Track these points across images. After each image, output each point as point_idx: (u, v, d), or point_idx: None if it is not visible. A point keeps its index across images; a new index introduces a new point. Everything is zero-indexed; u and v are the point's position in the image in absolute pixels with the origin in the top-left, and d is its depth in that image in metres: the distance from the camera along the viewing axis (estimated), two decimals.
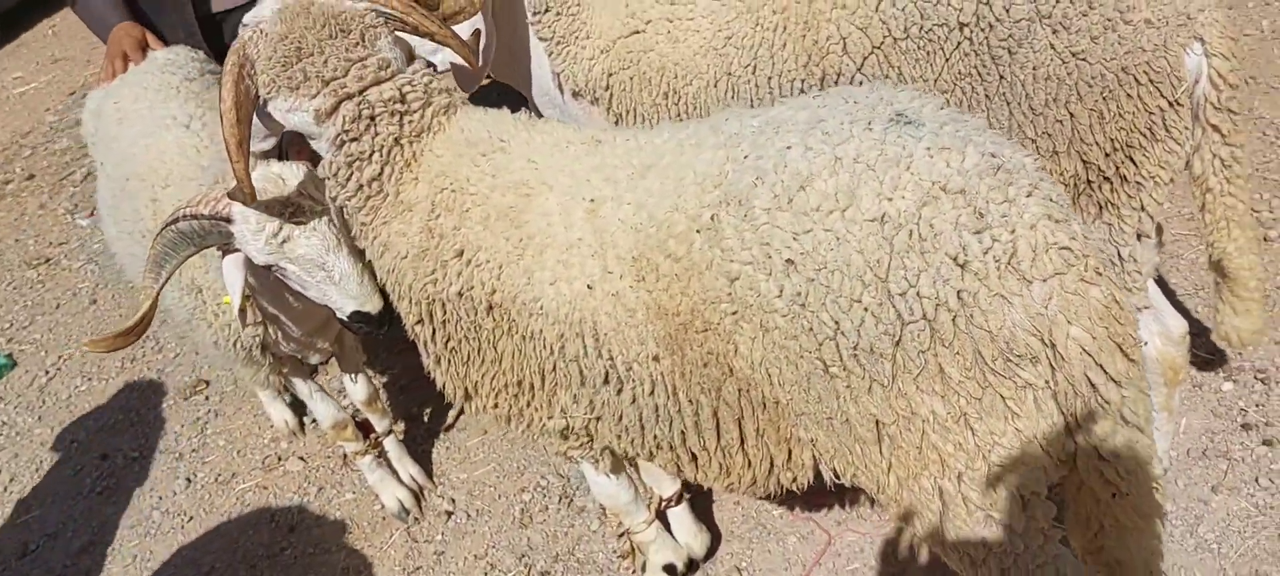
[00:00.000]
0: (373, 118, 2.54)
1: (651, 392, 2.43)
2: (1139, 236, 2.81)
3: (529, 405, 2.76)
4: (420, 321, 2.72)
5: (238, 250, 2.86)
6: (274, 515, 4.39)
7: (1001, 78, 2.69)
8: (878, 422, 2.09)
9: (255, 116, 2.61)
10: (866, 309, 1.98)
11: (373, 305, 2.85)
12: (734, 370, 2.26)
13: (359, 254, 2.89)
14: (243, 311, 3.03)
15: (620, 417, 2.55)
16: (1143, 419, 2.08)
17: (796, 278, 2.05)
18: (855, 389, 2.07)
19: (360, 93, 2.52)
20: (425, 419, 4.68)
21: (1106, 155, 2.68)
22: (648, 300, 2.31)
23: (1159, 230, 3.00)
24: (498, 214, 2.52)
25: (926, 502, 2.16)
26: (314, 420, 4.85)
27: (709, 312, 2.21)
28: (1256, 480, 3.26)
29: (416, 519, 4.15)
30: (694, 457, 2.55)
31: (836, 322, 2.02)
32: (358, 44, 2.53)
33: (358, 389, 4.10)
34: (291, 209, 2.77)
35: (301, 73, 2.49)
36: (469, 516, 4.12)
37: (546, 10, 3.30)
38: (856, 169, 2.04)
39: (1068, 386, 1.99)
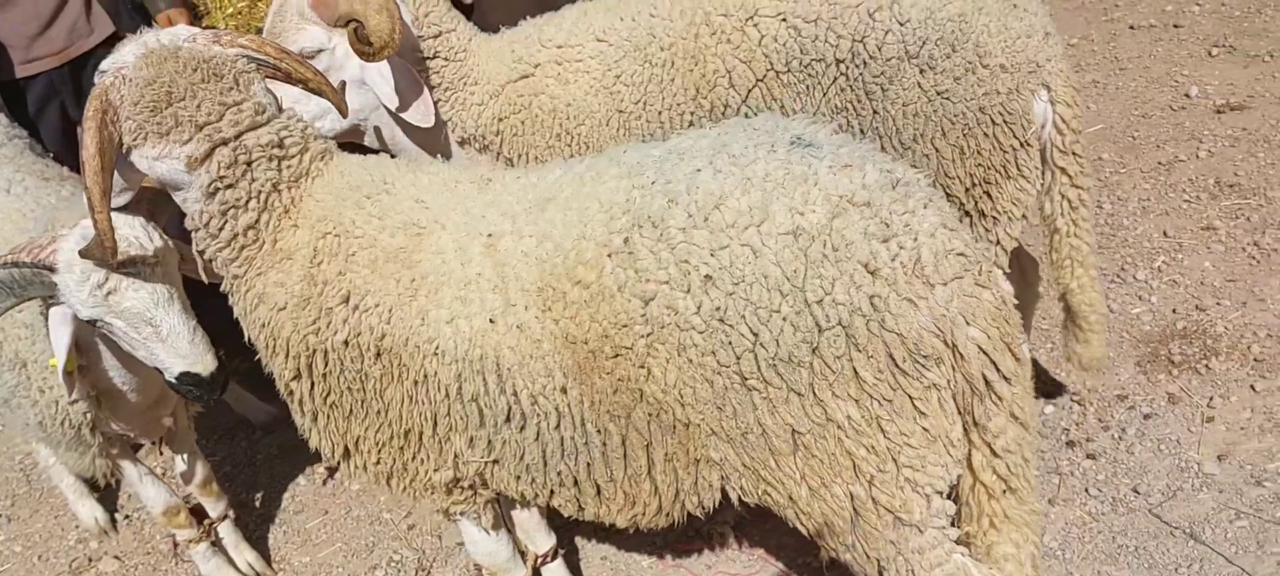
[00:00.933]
0: (250, 163, 2.44)
1: (557, 426, 2.39)
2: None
3: (414, 457, 2.65)
4: (297, 376, 2.59)
5: (61, 303, 2.67)
6: None
7: (875, 112, 2.88)
8: (794, 432, 2.14)
9: None
10: (785, 318, 2.05)
11: (204, 366, 2.67)
12: (645, 394, 2.27)
13: (192, 311, 2.75)
14: (69, 376, 2.80)
15: (522, 456, 2.49)
16: (1028, 416, 2.24)
17: (715, 293, 2.10)
18: (773, 399, 2.12)
19: (236, 137, 2.42)
20: (257, 504, 4.39)
21: (967, 190, 2.91)
22: (555, 330, 2.29)
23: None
24: (387, 256, 2.45)
25: (838, 510, 2.23)
26: (127, 516, 4.47)
27: (620, 337, 2.22)
28: (1086, 491, 3.54)
29: None
30: (598, 491, 2.51)
31: (756, 334, 2.08)
32: (232, 88, 2.43)
33: (193, 470, 3.80)
34: (120, 260, 2.58)
35: (173, 118, 2.36)
36: None
37: (435, 56, 3.26)
38: (767, 186, 2.12)
39: (965, 385, 2.12)
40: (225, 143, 2.40)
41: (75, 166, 3.98)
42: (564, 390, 2.34)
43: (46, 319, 2.80)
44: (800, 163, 2.15)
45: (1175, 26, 6.39)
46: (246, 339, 2.67)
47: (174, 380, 2.69)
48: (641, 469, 2.41)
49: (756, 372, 2.10)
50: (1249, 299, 4.19)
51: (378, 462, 2.70)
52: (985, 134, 2.84)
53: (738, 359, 2.11)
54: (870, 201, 2.08)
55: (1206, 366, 3.91)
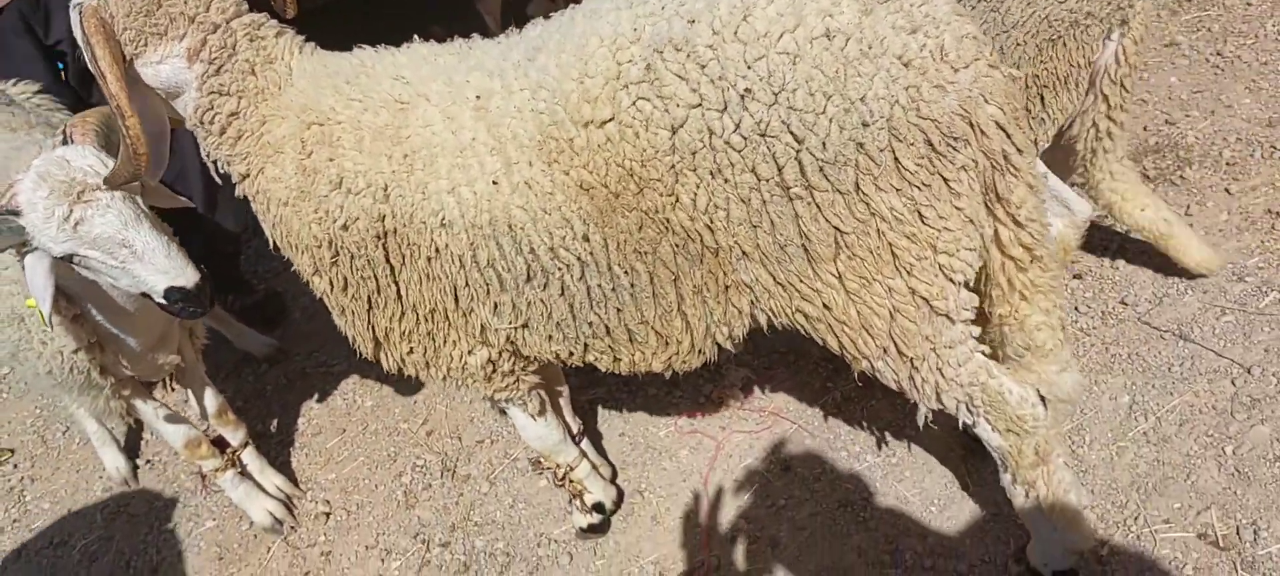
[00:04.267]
0: (235, 46, 2.51)
1: (582, 276, 2.44)
2: None
3: (445, 341, 2.71)
4: (315, 271, 2.65)
5: (36, 249, 2.69)
6: (129, 563, 4.08)
7: None
8: (838, 233, 2.20)
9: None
10: (831, 119, 2.09)
11: (187, 278, 2.67)
12: (671, 225, 2.29)
13: (164, 228, 2.77)
14: (52, 317, 2.83)
15: (550, 314, 2.54)
16: (1040, 185, 2.35)
17: (756, 106, 2.11)
18: (819, 203, 2.16)
19: (226, 23, 2.50)
20: (274, 431, 4.47)
21: (1025, 88, 2.98)
22: (564, 180, 2.31)
23: None
24: (373, 134, 2.47)
25: (877, 308, 2.31)
26: (149, 460, 4.56)
27: (646, 171, 2.23)
28: (1076, 309, 3.66)
29: (292, 527, 3.97)
30: (631, 336, 2.57)
31: (801, 140, 2.11)
32: None
33: (207, 402, 3.87)
34: (80, 191, 2.61)
35: (166, 16, 2.44)
36: (349, 512, 3.98)
37: None
38: None
39: (986, 162, 2.20)
40: (215, 28, 2.48)
41: (54, 90, 3.97)
42: (586, 238, 2.37)
43: (23, 268, 2.81)
44: None
45: None
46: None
47: (162, 298, 2.70)
48: (672, 304, 2.46)
49: (800, 179, 2.14)
50: (1217, 107, 4.28)
51: (410, 351, 2.76)
52: (1064, 44, 2.90)
53: (780, 169, 2.14)
54: None
55: (1181, 176, 4.01)
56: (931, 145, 2.11)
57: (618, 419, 3.92)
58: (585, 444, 3.55)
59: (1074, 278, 3.77)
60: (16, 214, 2.59)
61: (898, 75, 2.08)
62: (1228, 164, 4.00)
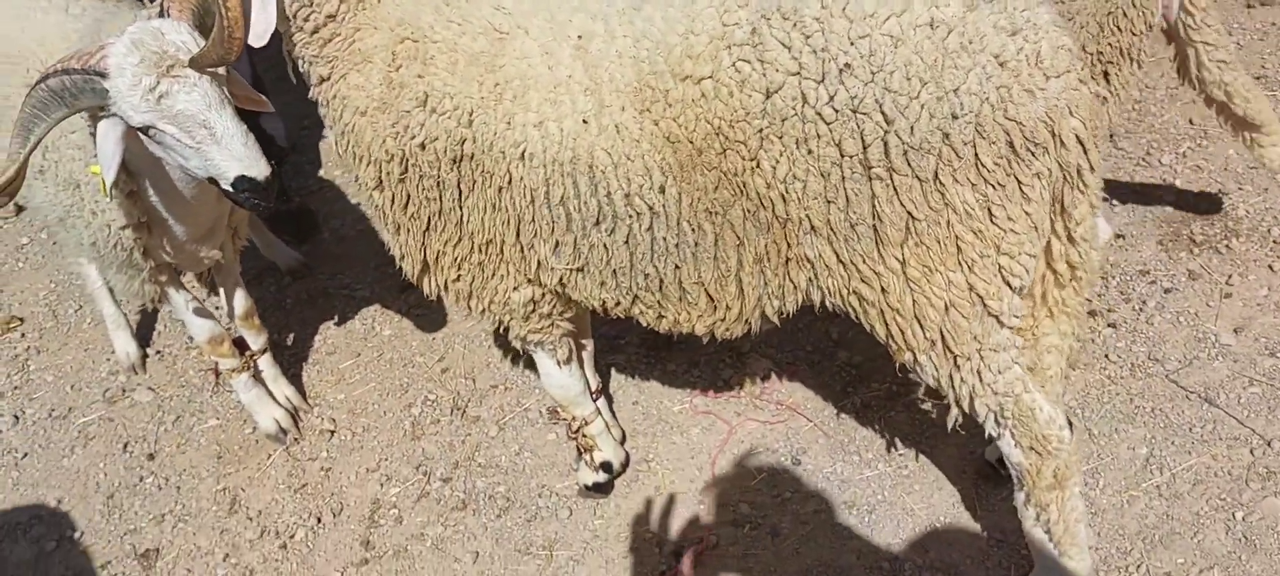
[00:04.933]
0: None
1: (650, 226, 2.45)
2: None
3: (494, 273, 2.72)
4: (379, 185, 2.64)
5: (112, 115, 2.66)
6: (127, 445, 4.08)
7: None
8: (910, 218, 2.22)
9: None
10: (924, 106, 2.11)
11: (259, 170, 2.64)
12: (747, 189, 2.31)
13: (243, 117, 2.73)
14: (113, 187, 2.82)
15: (609, 260, 2.55)
16: (1099, 205, 2.37)
17: (853, 82, 2.14)
18: (897, 186, 2.19)
19: None
20: (289, 344, 4.47)
21: (1090, 66, 3.01)
22: (653, 130, 2.33)
23: None
24: (468, 59, 2.48)
25: (933, 299, 2.33)
26: (158, 351, 4.56)
27: (733, 132, 2.26)
28: (1106, 356, 3.66)
29: (295, 439, 3.97)
30: (683, 294, 2.58)
31: (891, 122, 2.13)
32: None
33: (236, 302, 3.87)
34: (170, 64, 2.58)
35: None
36: (354, 434, 3.98)
37: None
38: None
39: (1060, 173, 2.22)
40: None
41: None
42: (662, 189, 2.39)
43: (94, 134, 2.80)
44: None
45: None
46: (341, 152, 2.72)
47: (230, 186, 2.67)
48: (731, 269, 2.48)
49: (884, 160, 2.17)
50: (1271, 186, 4.27)
51: (458, 278, 2.76)
52: (1125, 15, 2.94)
53: (866, 147, 2.16)
54: None
55: (1227, 246, 4.01)
56: (1012, 147, 2.13)
57: (634, 387, 3.92)
58: (601, 403, 3.55)
59: (1108, 327, 3.77)
60: (104, 76, 2.57)
61: (992, 73, 2.10)
62: (1274, 241, 3.99)
